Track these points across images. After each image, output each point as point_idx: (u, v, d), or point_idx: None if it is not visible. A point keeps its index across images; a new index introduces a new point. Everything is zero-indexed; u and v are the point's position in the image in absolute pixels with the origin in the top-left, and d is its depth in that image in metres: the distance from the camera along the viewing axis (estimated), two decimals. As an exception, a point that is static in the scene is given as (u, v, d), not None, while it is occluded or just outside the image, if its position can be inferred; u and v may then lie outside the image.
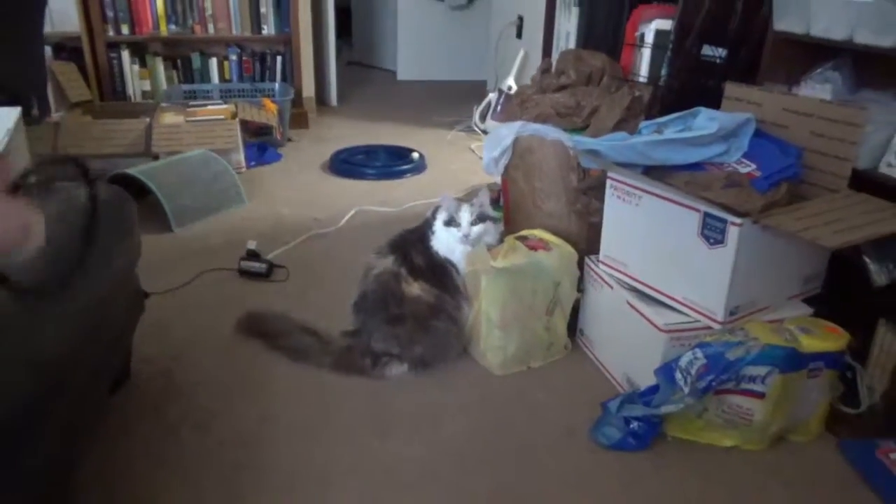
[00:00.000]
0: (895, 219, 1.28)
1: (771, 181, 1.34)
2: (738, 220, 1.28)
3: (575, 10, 2.35)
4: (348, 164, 3.11)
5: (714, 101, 1.61)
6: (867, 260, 1.44)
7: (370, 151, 3.30)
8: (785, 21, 1.57)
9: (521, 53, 3.69)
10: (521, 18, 3.88)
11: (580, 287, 1.71)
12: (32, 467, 0.87)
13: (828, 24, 1.47)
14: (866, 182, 1.43)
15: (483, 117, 3.73)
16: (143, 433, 1.41)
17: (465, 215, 1.63)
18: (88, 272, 1.19)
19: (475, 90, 4.46)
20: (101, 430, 1.35)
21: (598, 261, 1.66)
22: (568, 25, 2.39)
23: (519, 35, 3.91)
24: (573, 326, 1.76)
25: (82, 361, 1.10)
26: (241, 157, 2.97)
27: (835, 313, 1.46)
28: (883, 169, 1.42)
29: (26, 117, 1.97)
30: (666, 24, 1.83)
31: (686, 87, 1.69)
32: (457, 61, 5.11)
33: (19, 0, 2.08)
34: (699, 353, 1.36)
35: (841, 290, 1.54)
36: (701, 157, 1.38)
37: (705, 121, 1.36)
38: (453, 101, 4.38)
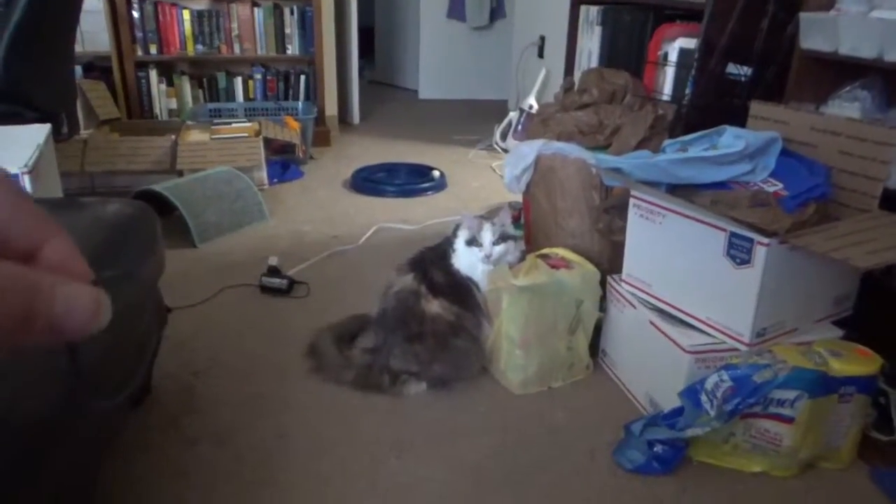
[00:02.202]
0: (928, 239, 1.25)
1: (798, 201, 1.31)
2: (765, 240, 1.26)
3: (598, 29, 2.35)
4: (369, 181, 3.13)
5: (739, 121, 1.59)
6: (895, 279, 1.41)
7: (391, 169, 3.32)
8: (812, 40, 1.55)
9: (543, 72, 3.69)
10: (542, 38, 3.89)
11: (602, 307, 1.69)
12: (55, 474, 0.88)
13: (856, 42, 1.45)
14: (893, 201, 1.40)
15: (504, 136, 3.73)
16: (163, 447, 1.41)
17: (486, 235, 1.62)
18: (113, 287, 1.21)
19: (496, 109, 4.47)
20: (121, 442, 1.35)
21: (620, 280, 1.64)
22: (590, 44, 2.39)
23: (540, 54, 3.92)
24: (595, 346, 1.74)
25: (106, 375, 1.11)
26: (263, 174, 3.00)
27: (866, 336, 1.43)
28: (914, 189, 1.39)
29: (56, 135, 2.01)
30: (690, 43, 1.82)
31: (711, 105, 1.67)
32: (478, 80, 5.14)
33: (52, 22, 2.13)
34: (725, 376, 1.33)
35: (872, 312, 1.51)
36: (727, 176, 1.36)
37: (731, 139, 1.35)
38: (475, 119, 4.40)
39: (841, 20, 1.48)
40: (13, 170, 1.45)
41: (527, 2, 4.19)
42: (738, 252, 1.31)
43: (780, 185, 1.36)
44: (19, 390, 0.83)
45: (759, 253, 1.28)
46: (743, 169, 1.36)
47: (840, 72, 1.61)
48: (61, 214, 1.38)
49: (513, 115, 3.70)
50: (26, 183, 1.46)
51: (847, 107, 1.58)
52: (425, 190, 3.10)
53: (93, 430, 1.03)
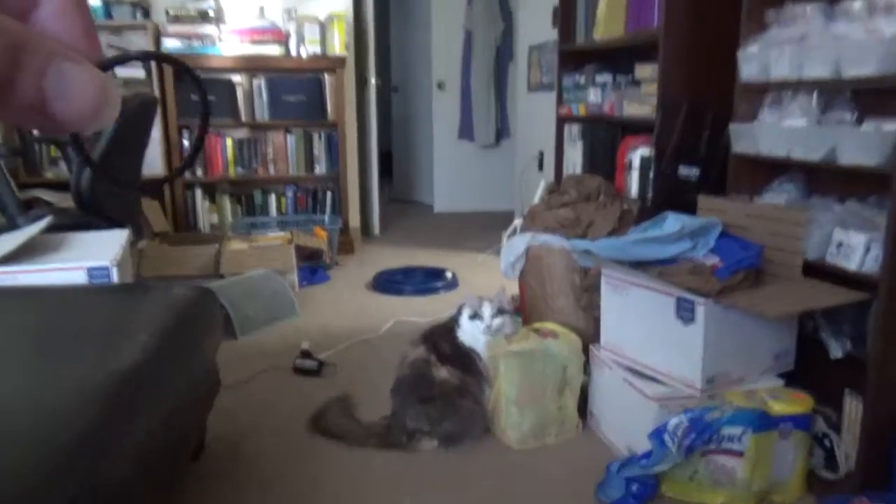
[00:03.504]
0: (829, 295, 1.55)
1: (730, 270, 1.63)
2: (702, 300, 1.57)
3: (579, 143, 2.78)
4: (389, 282, 3.49)
5: (691, 211, 1.94)
6: (824, 335, 1.70)
7: (408, 272, 3.69)
8: (740, 144, 1.92)
9: (542, 184, 4.12)
10: (541, 153, 4.37)
11: (587, 371, 1.98)
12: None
13: (770, 145, 1.82)
14: (816, 270, 1.71)
15: (510, 240, 4.11)
16: (216, 491, 1.68)
17: (486, 309, 1.94)
18: (186, 353, 1.53)
19: (504, 218, 4.88)
20: (182, 488, 1.63)
21: (600, 347, 1.94)
22: (574, 155, 2.81)
23: (540, 167, 4.38)
24: (583, 409, 2.00)
25: (177, 427, 1.42)
26: (294, 277, 3.38)
27: (808, 387, 1.69)
28: (828, 259, 1.70)
29: (126, 241, 2.41)
30: (648, 151, 2.21)
31: (667, 201, 2.03)
32: (487, 193, 5.62)
33: (127, 151, 2.60)
34: (683, 417, 1.60)
35: (810, 365, 1.78)
36: (673, 253, 1.69)
37: (672, 222, 1.69)
38: (484, 228, 4.81)
39: (758, 128, 1.86)
40: (104, 262, 1.83)
41: (527, 122, 4.71)
42: (685, 312, 1.62)
43: (718, 259, 1.69)
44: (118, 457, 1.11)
45: (700, 311, 1.59)
46: (685, 246, 1.69)
47: (769, 169, 1.97)
48: (138, 296, 1.73)
49: (517, 222, 4.10)
50: (114, 273, 1.83)
51: (776, 197, 1.92)
52: (439, 289, 3.45)
53: (164, 477, 1.31)
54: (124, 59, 0.49)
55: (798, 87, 1.80)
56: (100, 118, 0.25)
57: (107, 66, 0.27)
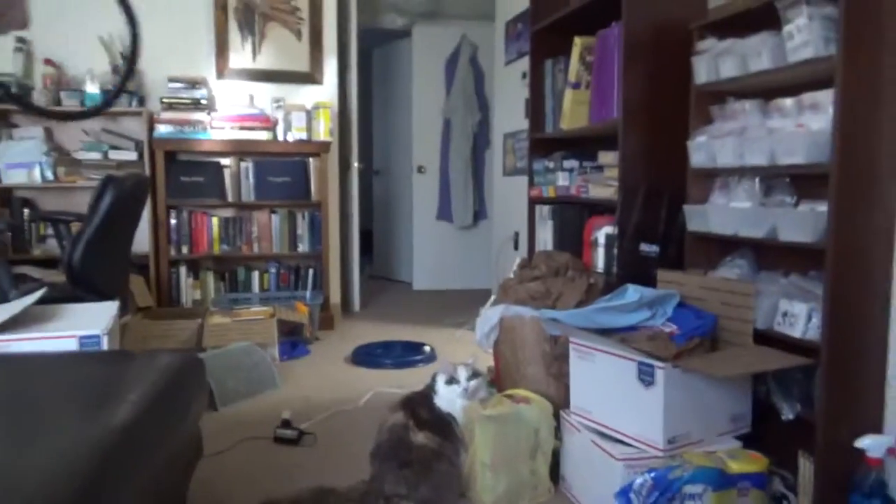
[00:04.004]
0: (776, 360, 1.69)
1: (686, 336, 1.77)
2: (661, 364, 1.70)
3: (549, 222, 2.97)
4: (368, 355, 3.57)
5: (652, 285, 2.09)
6: (776, 399, 1.82)
7: (387, 346, 3.78)
8: (693, 223, 2.11)
9: (517, 261, 4.29)
10: (516, 234, 4.56)
11: (558, 436, 2.07)
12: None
13: (719, 225, 2.00)
14: (766, 338, 1.86)
15: (487, 316, 4.23)
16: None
17: (462, 372, 2.04)
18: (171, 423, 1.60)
19: (481, 296, 5.00)
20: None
21: (570, 412, 2.04)
22: (545, 233, 3.00)
23: (515, 247, 4.57)
24: (556, 473, 2.08)
25: (165, 490, 1.48)
26: (275, 351, 3.45)
27: (765, 450, 1.80)
28: (776, 327, 1.85)
29: (115, 313, 2.50)
30: (612, 230, 2.39)
31: (630, 275, 2.18)
32: (465, 272, 5.79)
33: (119, 228, 2.72)
34: (647, 476, 1.69)
35: (766, 428, 1.89)
36: (633, 321, 1.83)
37: (631, 293, 1.84)
38: (462, 306, 4.94)
39: (709, 209, 2.05)
40: (96, 331, 1.92)
41: (503, 204, 4.93)
42: (646, 376, 1.74)
43: (675, 327, 1.83)
44: None
45: (660, 374, 1.71)
46: (644, 315, 1.83)
47: (722, 245, 2.15)
48: (124, 364, 1.81)
49: (493, 299, 4.24)
50: (105, 342, 1.92)
51: (729, 272, 2.09)
52: (417, 362, 3.53)
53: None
54: None
55: (742, 172, 2.00)
56: None
57: None
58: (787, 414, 1.80)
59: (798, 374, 1.82)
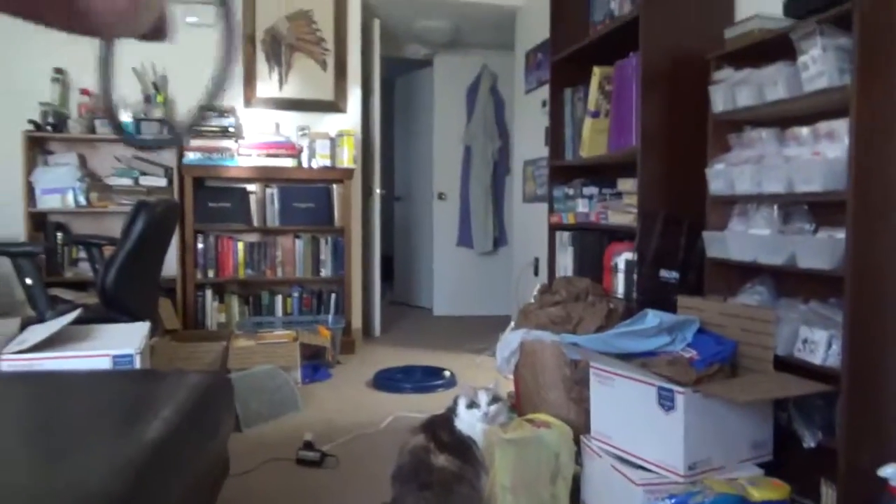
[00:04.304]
0: (796, 386, 1.70)
1: (706, 362, 1.79)
2: (681, 389, 1.72)
3: (569, 248, 3.00)
4: (389, 380, 3.60)
5: (672, 311, 2.11)
6: (797, 426, 1.83)
7: (408, 370, 3.81)
8: (713, 250, 2.13)
9: (538, 286, 4.32)
10: (536, 259, 4.60)
11: (579, 461, 2.08)
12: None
13: (738, 251, 2.03)
14: (785, 365, 1.86)
15: (507, 342, 4.25)
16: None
17: (482, 396, 2.06)
18: (208, 433, 1.65)
19: (501, 322, 5.04)
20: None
21: (591, 438, 2.05)
22: (565, 259, 3.03)
23: (536, 273, 4.59)
24: (576, 499, 2.08)
25: (192, 502, 1.52)
26: (297, 374, 3.49)
27: (787, 478, 1.80)
28: (796, 353, 1.86)
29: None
30: (632, 256, 2.42)
31: (650, 301, 2.21)
32: (485, 298, 5.81)
33: (150, 252, 2.80)
34: (667, 502, 1.70)
35: (788, 456, 1.89)
36: (652, 346, 1.85)
37: (651, 318, 1.86)
38: (483, 332, 4.96)
39: (728, 236, 2.08)
40: (129, 350, 1.98)
41: (523, 231, 4.98)
42: (666, 401, 1.76)
43: (695, 353, 1.84)
44: None
45: (680, 400, 1.72)
46: (664, 340, 1.85)
47: (742, 272, 2.17)
48: (155, 382, 1.86)
49: (514, 324, 4.26)
50: (137, 360, 1.98)
51: (749, 298, 2.11)
52: (437, 387, 3.56)
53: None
54: None
55: (760, 199, 2.03)
56: (129, 20, 0.23)
57: None
58: (809, 441, 1.80)
59: (819, 401, 1.83)
